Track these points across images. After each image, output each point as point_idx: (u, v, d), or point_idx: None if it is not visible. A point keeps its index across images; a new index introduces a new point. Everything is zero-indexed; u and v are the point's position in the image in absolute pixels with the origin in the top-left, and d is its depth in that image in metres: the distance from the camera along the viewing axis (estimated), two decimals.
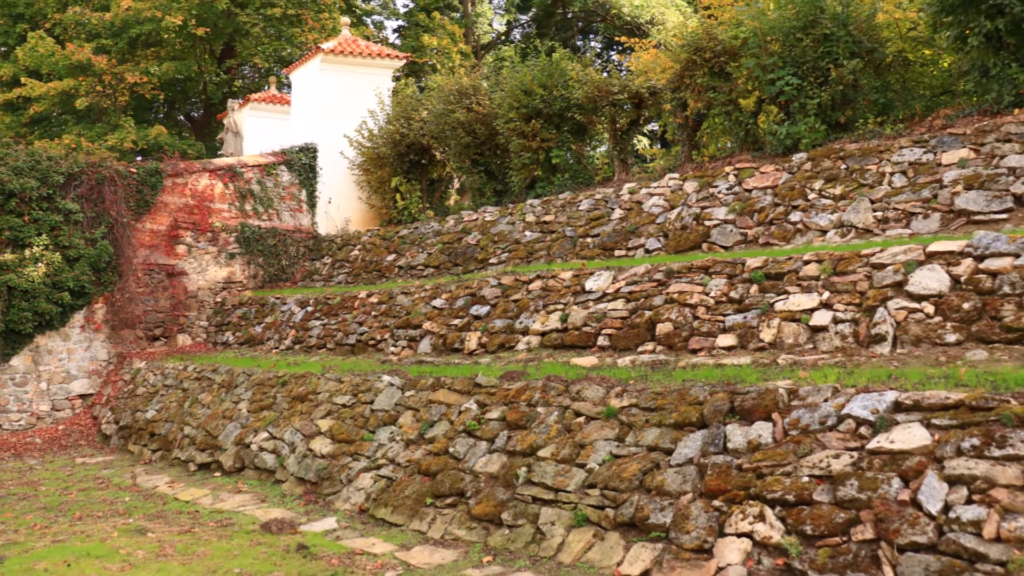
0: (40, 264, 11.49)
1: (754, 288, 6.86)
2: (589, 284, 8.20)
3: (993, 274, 5.60)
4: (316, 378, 8.79)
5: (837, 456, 4.46)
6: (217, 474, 8.62)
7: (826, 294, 6.32)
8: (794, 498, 4.44)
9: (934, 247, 5.99)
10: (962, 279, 5.72)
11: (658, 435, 5.38)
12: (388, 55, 16.38)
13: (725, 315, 6.86)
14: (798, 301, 6.43)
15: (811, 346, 6.21)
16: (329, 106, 15.78)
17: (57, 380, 11.96)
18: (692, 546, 4.64)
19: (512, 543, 5.44)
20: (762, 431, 4.90)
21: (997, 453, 3.97)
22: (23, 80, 21.58)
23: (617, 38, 23.53)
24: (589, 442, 5.68)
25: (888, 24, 9.67)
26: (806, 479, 4.47)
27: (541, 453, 5.86)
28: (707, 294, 7.13)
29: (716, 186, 9.51)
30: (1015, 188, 7.06)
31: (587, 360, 7.26)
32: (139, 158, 21.58)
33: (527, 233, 11.22)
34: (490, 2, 31.85)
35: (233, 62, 25.13)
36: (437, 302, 9.77)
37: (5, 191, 11.38)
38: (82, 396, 12.18)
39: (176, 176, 13.63)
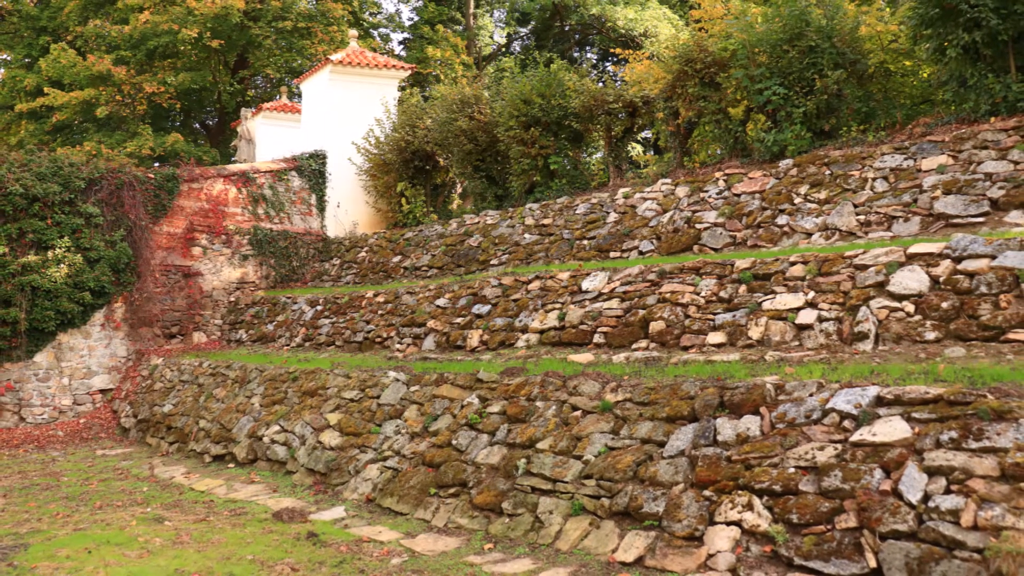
0: (62, 265, 11.73)
1: (743, 288, 6.96)
2: (585, 284, 8.30)
3: (970, 275, 5.70)
4: (325, 374, 8.90)
5: (822, 448, 4.57)
6: (231, 465, 8.76)
7: (811, 294, 6.42)
8: (781, 488, 4.56)
9: (914, 249, 6.09)
10: (941, 279, 5.82)
11: (651, 428, 5.47)
12: (394, 66, 16.56)
13: (715, 314, 6.95)
14: (784, 300, 6.53)
15: (797, 343, 6.30)
16: (338, 115, 16.00)
17: (78, 376, 12.20)
18: (684, 534, 4.75)
19: (512, 531, 5.54)
20: (750, 424, 5.01)
21: (974, 445, 4.07)
22: (46, 90, 21.95)
23: (612, 50, 23.81)
24: (585, 435, 5.78)
25: (870, 36, 9.78)
26: (792, 470, 4.58)
27: (540, 445, 5.95)
28: (698, 294, 7.23)
29: (706, 191, 9.60)
30: (991, 193, 7.16)
31: (584, 357, 7.37)
32: (156, 164, 21.81)
33: (526, 236, 11.32)
34: (491, 16, 32.18)
35: (246, 73, 25.47)
36: (440, 301, 9.87)
37: (29, 196, 11.63)
38: (102, 391, 12.40)
39: (192, 181, 13.87)
